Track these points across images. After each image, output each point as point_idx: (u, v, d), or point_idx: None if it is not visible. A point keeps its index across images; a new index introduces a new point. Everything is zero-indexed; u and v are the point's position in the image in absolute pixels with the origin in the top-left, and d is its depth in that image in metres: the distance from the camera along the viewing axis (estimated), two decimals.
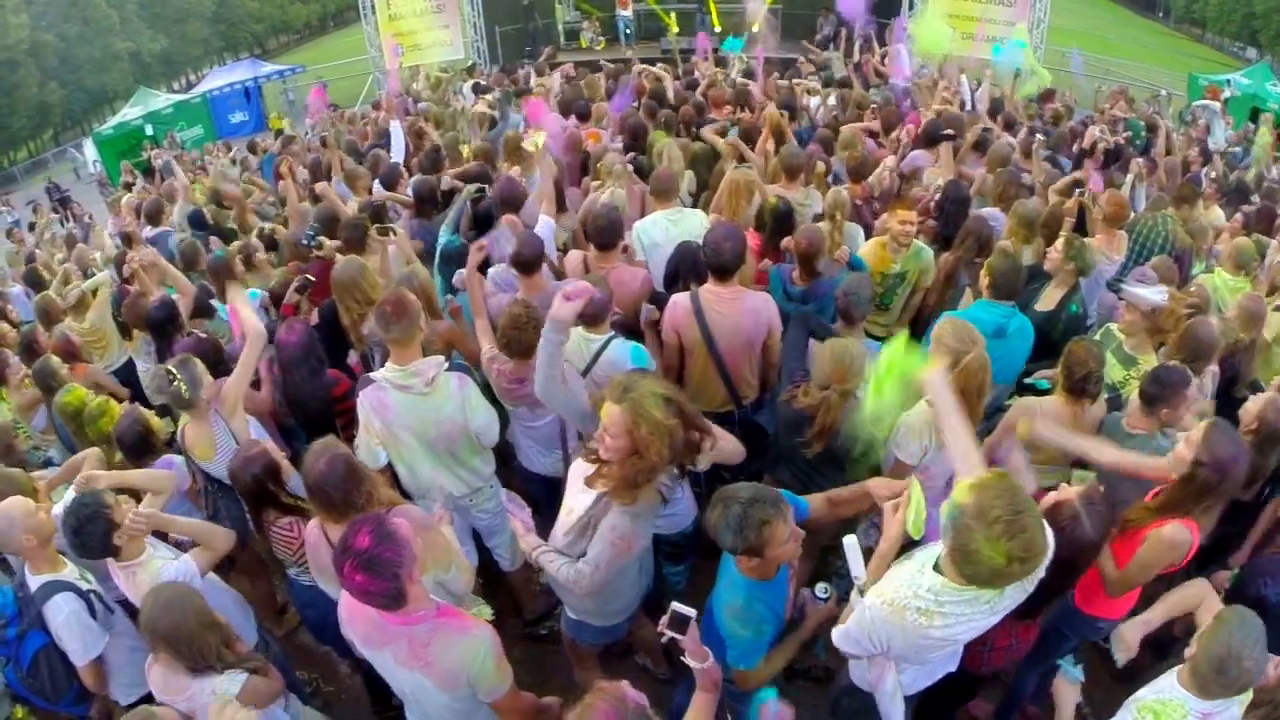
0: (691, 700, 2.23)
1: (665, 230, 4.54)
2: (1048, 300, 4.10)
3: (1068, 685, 2.40)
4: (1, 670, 2.99)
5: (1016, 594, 2.03)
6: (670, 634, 2.16)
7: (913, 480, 2.44)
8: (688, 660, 2.18)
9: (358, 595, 2.09)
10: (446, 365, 3.24)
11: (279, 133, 10.68)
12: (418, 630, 2.20)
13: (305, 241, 4.85)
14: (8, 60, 32.47)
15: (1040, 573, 1.97)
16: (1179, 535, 2.56)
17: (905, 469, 3.18)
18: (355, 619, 2.30)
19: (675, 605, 2.17)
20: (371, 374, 3.28)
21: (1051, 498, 2.42)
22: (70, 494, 3.02)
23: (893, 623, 2.13)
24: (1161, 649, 3.05)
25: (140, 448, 3.53)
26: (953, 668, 2.52)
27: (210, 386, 3.40)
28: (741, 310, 3.62)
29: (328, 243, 4.73)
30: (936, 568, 2.09)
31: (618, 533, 2.54)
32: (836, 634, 2.36)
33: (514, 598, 3.97)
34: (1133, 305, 3.65)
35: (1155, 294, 3.56)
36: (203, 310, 4.88)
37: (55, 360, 4.70)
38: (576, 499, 2.69)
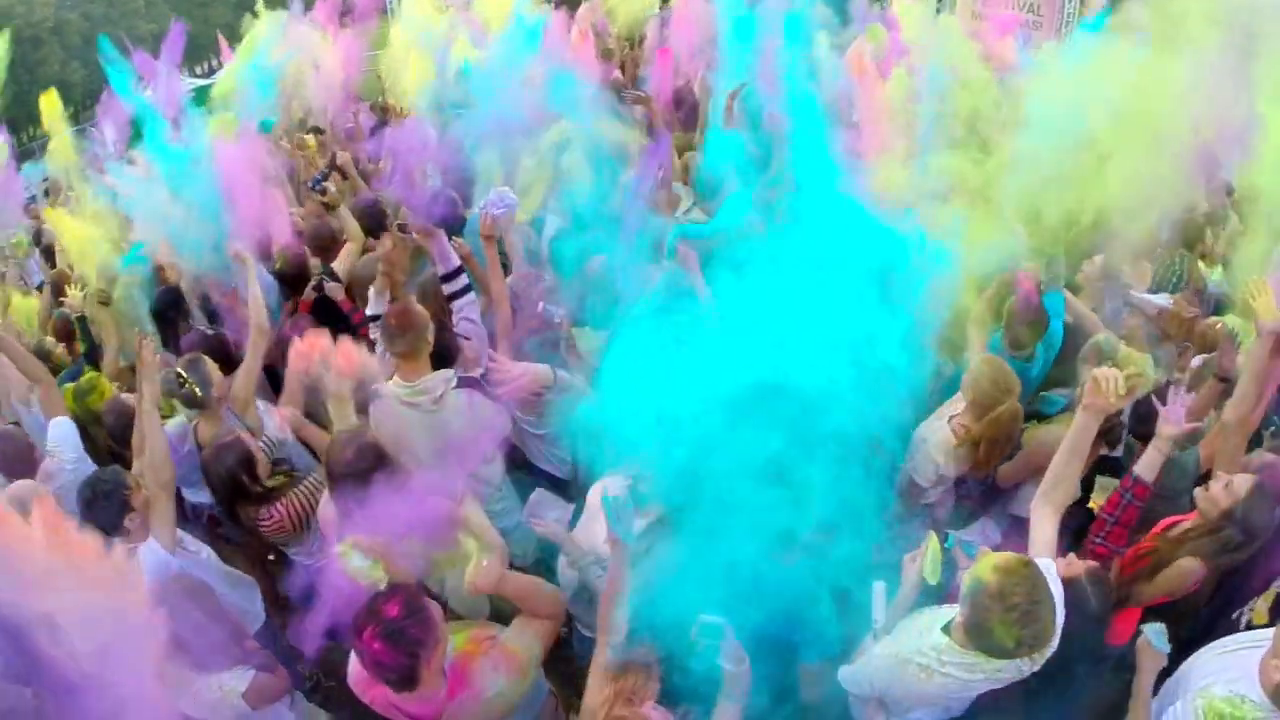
0: (717, 710, 2.18)
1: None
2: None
3: (1152, 651, 2.37)
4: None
5: (1013, 672, 2.12)
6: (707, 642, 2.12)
7: (931, 534, 2.53)
8: (723, 662, 2.13)
9: (369, 665, 1.98)
10: (454, 381, 3.19)
11: (302, 121, 10.61)
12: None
13: (313, 185, 4.77)
14: (31, 37, 32.64)
15: (1040, 661, 2.10)
16: (1193, 564, 2.55)
17: (919, 491, 3.19)
18: (376, 703, 2.23)
19: (704, 617, 2.13)
20: (379, 387, 3.22)
21: (1061, 571, 2.40)
22: None
23: (894, 673, 2.25)
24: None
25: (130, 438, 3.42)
26: None
27: (220, 384, 3.37)
28: None
29: (332, 189, 4.64)
30: (945, 629, 2.19)
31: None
32: (843, 672, 2.43)
33: None
34: (1138, 309, 3.71)
35: (1160, 298, 3.73)
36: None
37: (50, 341, 4.67)
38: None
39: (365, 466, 2.47)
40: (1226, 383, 3.04)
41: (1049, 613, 2.02)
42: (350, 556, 2.09)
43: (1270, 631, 2.09)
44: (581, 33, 6.37)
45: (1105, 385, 2.35)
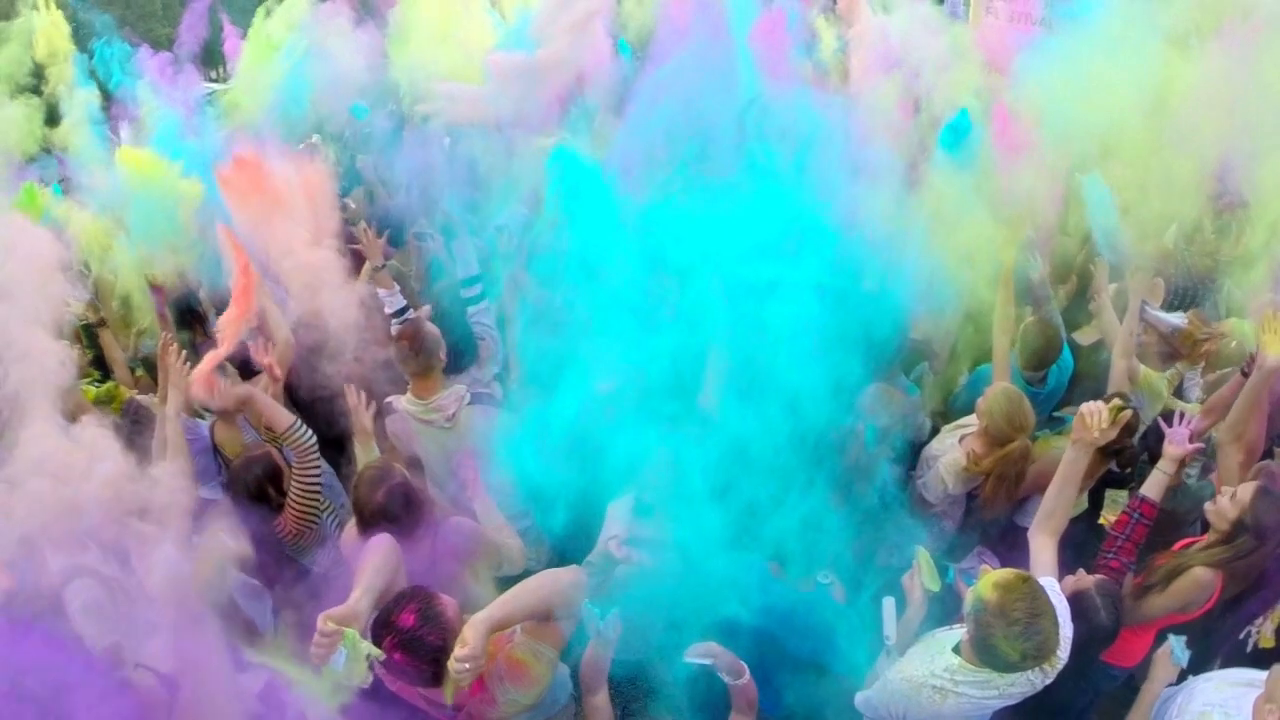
0: None
1: None
2: (1087, 334, 4.05)
3: (1169, 662, 2.42)
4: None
5: (1026, 686, 2.18)
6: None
7: (919, 549, 2.61)
8: (724, 676, 2.18)
9: (393, 671, 2.00)
10: (468, 399, 3.21)
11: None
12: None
13: None
14: None
15: (1053, 673, 2.16)
16: (1206, 576, 2.59)
17: (926, 506, 3.20)
18: (404, 693, 2.26)
19: (688, 658, 2.17)
20: (393, 401, 3.25)
21: (1071, 586, 2.50)
22: None
23: (910, 697, 2.29)
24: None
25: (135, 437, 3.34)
26: None
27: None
28: None
29: (352, 204, 4.64)
30: (956, 650, 2.26)
31: None
32: (859, 699, 2.47)
33: None
34: (1151, 327, 3.71)
35: (1175, 316, 3.75)
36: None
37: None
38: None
39: (396, 509, 2.47)
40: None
41: (1050, 625, 2.08)
42: (324, 679, 1.87)
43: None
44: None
45: (1090, 420, 2.42)
